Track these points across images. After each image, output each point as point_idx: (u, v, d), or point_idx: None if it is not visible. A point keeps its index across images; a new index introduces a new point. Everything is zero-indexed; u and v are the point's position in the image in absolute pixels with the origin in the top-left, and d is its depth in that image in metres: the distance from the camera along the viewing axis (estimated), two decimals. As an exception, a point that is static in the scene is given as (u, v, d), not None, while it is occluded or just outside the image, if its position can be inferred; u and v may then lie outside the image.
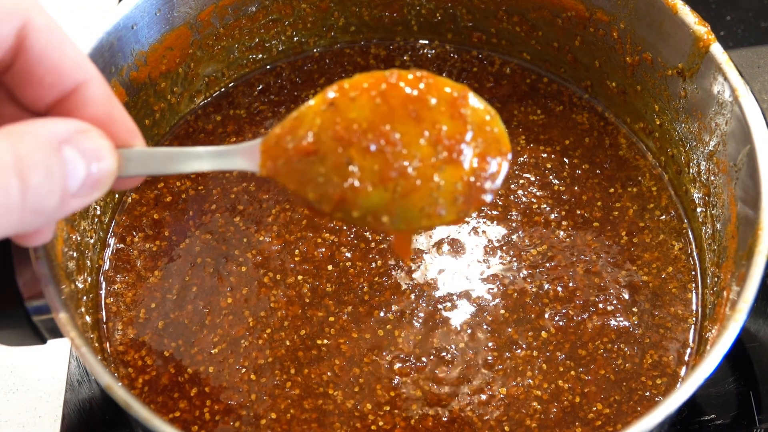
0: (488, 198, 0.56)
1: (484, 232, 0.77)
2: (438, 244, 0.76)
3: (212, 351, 0.72)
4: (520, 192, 0.79)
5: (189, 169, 0.57)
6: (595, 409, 0.70)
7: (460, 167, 0.55)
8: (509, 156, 0.56)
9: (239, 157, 0.57)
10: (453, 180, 0.55)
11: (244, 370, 0.71)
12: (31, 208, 0.48)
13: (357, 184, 0.54)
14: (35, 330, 0.64)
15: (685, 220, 0.78)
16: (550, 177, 0.80)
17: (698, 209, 0.76)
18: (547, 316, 0.73)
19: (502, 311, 0.73)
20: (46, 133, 0.49)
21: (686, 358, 0.72)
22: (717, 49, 0.71)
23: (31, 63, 0.51)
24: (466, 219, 0.77)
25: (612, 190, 0.79)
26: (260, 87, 0.86)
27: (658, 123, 0.79)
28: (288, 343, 0.72)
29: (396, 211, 0.55)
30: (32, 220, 0.49)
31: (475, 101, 0.56)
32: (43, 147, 0.48)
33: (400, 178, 0.54)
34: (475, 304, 0.73)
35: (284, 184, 0.56)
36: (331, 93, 0.55)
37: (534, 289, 0.74)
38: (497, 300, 0.73)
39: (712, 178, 0.73)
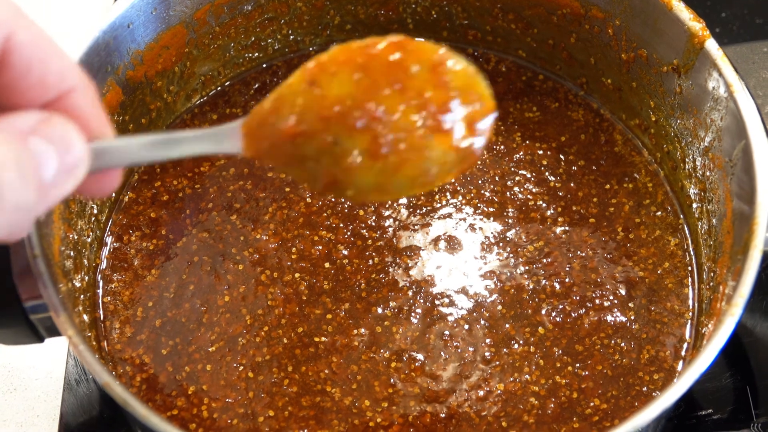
0: (477, 153, 0.55)
1: (480, 228, 0.77)
2: (435, 241, 0.76)
3: (210, 349, 0.72)
4: (516, 189, 0.79)
5: (162, 157, 0.55)
6: (592, 404, 0.70)
7: (449, 134, 0.53)
8: (494, 114, 0.55)
9: (218, 140, 0.55)
10: (443, 148, 0.53)
11: (241, 367, 0.71)
12: (11, 205, 0.47)
13: (347, 164, 0.52)
14: (33, 329, 0.64)
15: (681, 216, 0.78)
16: (546, 173, 0.80)
17: (694, 205, 0.76)
18: (543, 311, 0.73)
19: (500, 307, 0.73)
20: (8, 128, 0.48)
21: (683, 353, 0.72)
22: (712, 45, 0.71)
23: (13, 78, 0.51)
24: (463, 216, 0.78)
25: (608, 186, 0.80)
26: (256, 85, 0.86)
27: (653, 119, 0.80)
28: (285, 340, 0.72)
29: (389, 185, 0.54)
30: (16, 218, 0.48)
31: (454, 64, 0.54)
32: (9, 142, 0.48)
33: (390, 153, 0.52)
34: (472, 300, 0.73)
35: (272, 164, 0.54)
36: (310, 69, 0.53)
37: (531, 285, 0.74)
38: (494, 296, 0.74)
39: (708, 173, 0.73)
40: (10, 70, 0.50)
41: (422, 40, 0.55)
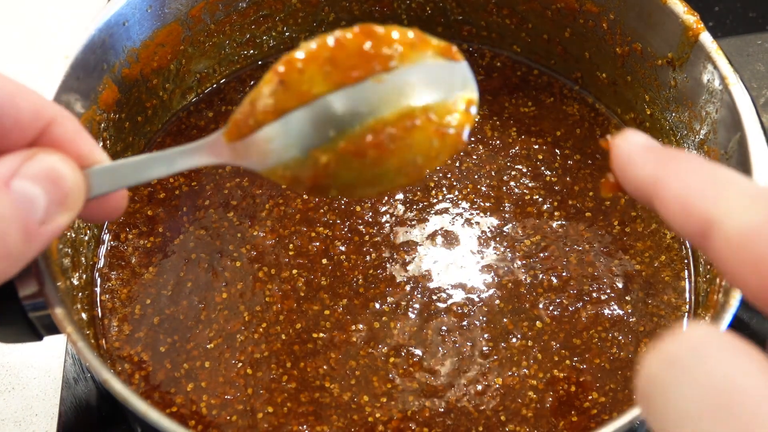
0: (465, 138, 0.53)
1: (477, 223, 0.77)
2: (432, 236, 0.76)
3: (208, 346, 0.72)
4: (512, 183, 0.79)
5: (158, 174, 0.55)
6: (590, 397, 0.70)
7: (431, 122, 0.52)
8: (476, 96, 0.54)
9: (205, 152, 0.55)
10: (426, 135, 0.52)
11: (240, 364, 0.71)
12: None
13: (324, 163, 0.52)
14: (31, 327, 0.64)
15: (677, 209, 0.78)
16: (542, 168, 0.80)
17: (690, 198, 0.76)
18: (541, 305, 0.73)
19: (497, 301, 0.73)
20: None
21: (680, 345, 0.72)
22: (706, 38, 0.71)
23: None
24: (460, 211, 0.78)
25: (603, 180, 0.79)
26: (252, 83, 0.86)
27: (648, 113, 0.80)
28: (284, 336, 0.72)
29: (373, 179, 0.52)
30: (6, 265, 0.48)
31: (429, 47, 0.53)
32: None
33: (369, 148, 0.51)
34: (469, 295, 0.74)
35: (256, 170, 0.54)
36: (279, 68, 0.52)
37: (528, 280, 0.74)
38: (492, 290, 0.74)
39: (703, 166, 0.73)
40: None
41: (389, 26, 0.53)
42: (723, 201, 0.45)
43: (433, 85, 0.53)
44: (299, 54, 0.52)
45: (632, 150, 0.51)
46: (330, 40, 0.52)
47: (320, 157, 0.52)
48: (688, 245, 0.76)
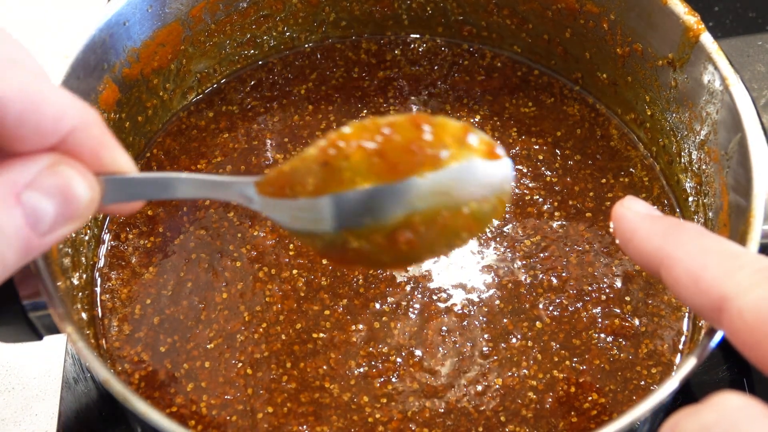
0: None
1: (477, 223, 0.77)
2: (432, 237, 0.76)
3: (208, 346, 0.72)
4: (512, 183, 0.79)
5: (179, 196, 0.55)
6: (590, 398, 0.70)
7: (463, 216, 0.54)
8: (510, 192, 0.56)
9: (235, 192, 0.55)
10: (456, 230, 0.54)
11: (240, 364, 0.71)
12: None
13: (355, 248, 0.53)
14: (31, 326, 0.64)
15: (678, 210, 0.78)
16: (542, 168, 0.80)
17: (690, 198, 0.76)
18: (541, 306, 0.73)
19: (497, 302, 0.73)
20: (3, 185, 0.47)
21: (680, 346, 0.72)
22: (707, 39, 0.71)
23: (7, 132, 0.48)
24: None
25: (604, 180, 0.80)
26: (252, 83, 0.86)
27: (649, 113, 0.80)
28: (284, 337, 0.72)
29: (396, 263, 0.54)
30: None
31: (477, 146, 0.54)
32: None
33: (402, 243, 0.53)
34: (470, 295, 0.74)
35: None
36: (327, 149, 0.52)
37: (528, 280, 0.74)
38: (492, 290, 0.74)
39: (704, 167, 0.73)
40: (2, 123, 0.48)
41: (442, 117, 0.54)
42: (735, 277, 0.45)
43: (472, 183, 0.53)
44: (349, 134, 0.52)
45: (635, 221, 0.51)
46: (383, 126, 0.52)
47: (352, 241, 0.53)
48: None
